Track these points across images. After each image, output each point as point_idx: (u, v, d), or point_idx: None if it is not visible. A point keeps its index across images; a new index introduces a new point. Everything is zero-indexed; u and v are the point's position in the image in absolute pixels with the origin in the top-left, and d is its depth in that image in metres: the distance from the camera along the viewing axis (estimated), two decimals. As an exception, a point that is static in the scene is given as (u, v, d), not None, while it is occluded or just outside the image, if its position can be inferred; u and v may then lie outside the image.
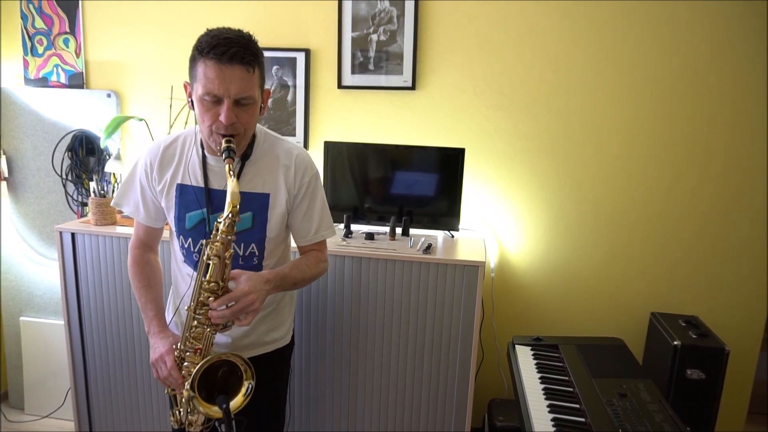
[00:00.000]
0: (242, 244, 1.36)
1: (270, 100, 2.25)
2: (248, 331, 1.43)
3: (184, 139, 1.39)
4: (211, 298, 1.21)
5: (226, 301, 1.20)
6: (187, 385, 1.20)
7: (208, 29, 1.22)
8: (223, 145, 1.20)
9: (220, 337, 1.40)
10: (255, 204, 1.35)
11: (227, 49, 1.16)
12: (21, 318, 2.58)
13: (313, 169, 1.41)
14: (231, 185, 1.18)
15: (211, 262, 1.21)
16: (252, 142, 1.35)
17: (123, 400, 2.15)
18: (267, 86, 1.34)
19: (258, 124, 1.38)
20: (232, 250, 1.22)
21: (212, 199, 1.34)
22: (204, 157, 1.35)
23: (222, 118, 1.19)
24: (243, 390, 1.24)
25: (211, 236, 1.22)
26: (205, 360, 1.21)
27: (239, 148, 1.27)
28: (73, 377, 2.16)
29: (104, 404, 2.18)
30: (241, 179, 1.33)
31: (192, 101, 1.26)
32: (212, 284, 1.21)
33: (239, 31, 1.22)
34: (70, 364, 2.15)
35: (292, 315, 1.59)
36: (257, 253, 1.38)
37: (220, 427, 1.17)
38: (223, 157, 1.20)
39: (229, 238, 1.20)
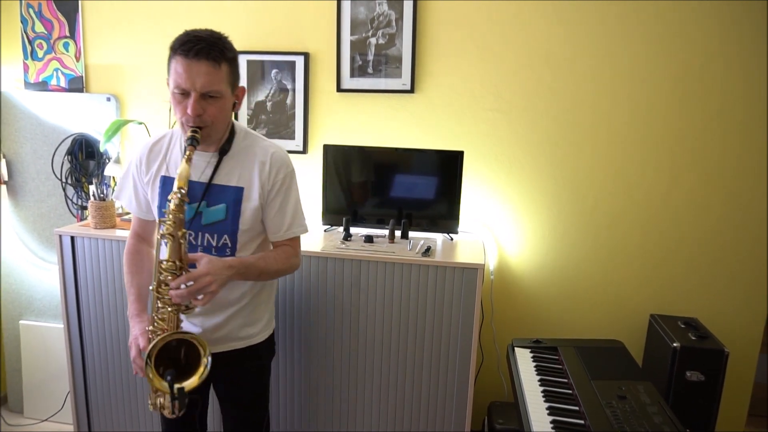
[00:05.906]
0: (215, 235, 1.43)
1: (269, 104, 2.25)
2: (220, 325, 1.48)
3: (171, 135, 1.50)
4: (170, 278, 1.28)
5: (183, 281, 1.27)
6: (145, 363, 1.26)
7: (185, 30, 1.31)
8: (188, 133, 1.30)
9: (192, 328, 1.46)
10: (229, 197, 1.42)
11: (194, 46, 1.26)
12: (21, 321, 2.57)
13: (289, 168, 1.48)
14: (181, 167, 1.28)
15: (166, 240, 1.28)
16: (231, 138, 1.42)
17: (122, 404, 2.15)
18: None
19: (240, 123, 1.46)
20: (185, 230, 1.29)
21: (190, 190, 1.39)
22: (185, 150, 1.40)
23: (189, 110, 1.28)
24: (201, 369, 1.28)
25: (165, 215, 1.29)
26: (159, 338, 1.26)
27: (210, 140, 1.37)
28: (72, 381, 2.16)
29: (103, 408, 2.17)
30: (218, 173, 1.41)
31: None
32: (170, 263, 1.28)
33: (212, 31, 1.32)
34: (70, 368, 2.15)
35: (269, 312, 1.61)
36: (230, 245, 1.44)
37: (173, 403, 1.22)
38: (186, 144, 1.29)
39: (180, 216, 1.27)
